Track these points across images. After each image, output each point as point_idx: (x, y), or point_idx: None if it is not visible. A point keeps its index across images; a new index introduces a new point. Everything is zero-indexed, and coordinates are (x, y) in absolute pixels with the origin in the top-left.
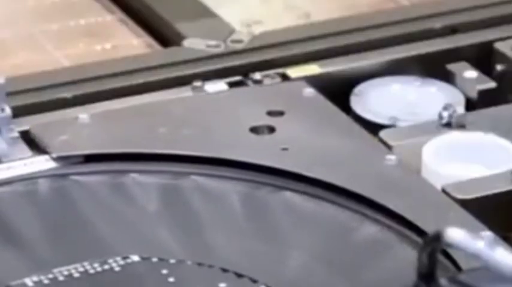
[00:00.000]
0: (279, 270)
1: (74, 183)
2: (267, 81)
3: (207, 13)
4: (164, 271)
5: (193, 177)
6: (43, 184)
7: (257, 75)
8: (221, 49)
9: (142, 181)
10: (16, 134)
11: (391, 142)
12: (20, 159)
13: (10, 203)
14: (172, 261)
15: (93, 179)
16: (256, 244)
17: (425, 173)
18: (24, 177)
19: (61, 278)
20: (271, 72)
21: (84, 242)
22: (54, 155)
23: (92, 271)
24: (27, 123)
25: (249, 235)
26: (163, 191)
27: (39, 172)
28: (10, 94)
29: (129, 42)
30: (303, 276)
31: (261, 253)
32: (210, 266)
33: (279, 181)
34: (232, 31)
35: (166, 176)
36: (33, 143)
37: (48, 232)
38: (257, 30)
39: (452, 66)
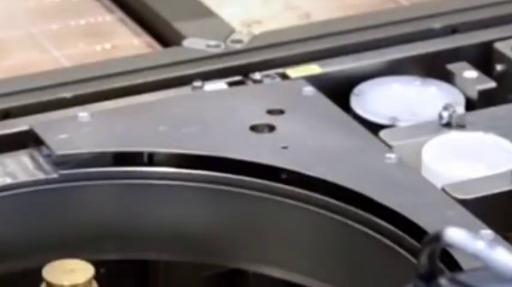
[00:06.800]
0: None
1: None
2: (267, 81)
3: (207, 13)
4: None
5: None
6: None
7: (257, 75)
8: (221, 49)
9: None
10: None
11: (391, 142)
12: None
13: None
14: None
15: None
16: None
17: (425, 173)
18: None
19: None
20: (271, 72)
21: None
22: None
23: None
24: (27, 123)
25: None
26: None
27: None
28: (10, 94)
29: (129, 42)
30: None
31: None
32: None
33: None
34: (232, 31)
35: None
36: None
37: None
38: (257, 30)
39: (452, 66)
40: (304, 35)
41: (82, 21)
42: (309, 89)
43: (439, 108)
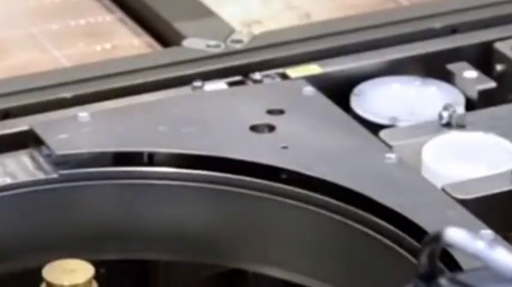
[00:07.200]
0: None
1: None
2: (267, 81)
3: (207, 13)
4: None
5: None
6: None
7: (257, 75)
8: (221, 49)
9: None
10: None
11: (391, 142)
12: None
13: None
14: None
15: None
16: None
17: (425, 173)
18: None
19: None
20: (271, 72)
21: None
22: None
23: None
24: (27, 123)
25: None
26: None
27: None
28: (10, 94)
29: (129, 42)
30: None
31: None
32: None
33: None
34: (232, 31)
35: None
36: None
37: None
38: (257, 30)
39: (452, 66)
40: (304, 35)
41: (82, 21)
42: (309, 89)
43: (439, 108)
